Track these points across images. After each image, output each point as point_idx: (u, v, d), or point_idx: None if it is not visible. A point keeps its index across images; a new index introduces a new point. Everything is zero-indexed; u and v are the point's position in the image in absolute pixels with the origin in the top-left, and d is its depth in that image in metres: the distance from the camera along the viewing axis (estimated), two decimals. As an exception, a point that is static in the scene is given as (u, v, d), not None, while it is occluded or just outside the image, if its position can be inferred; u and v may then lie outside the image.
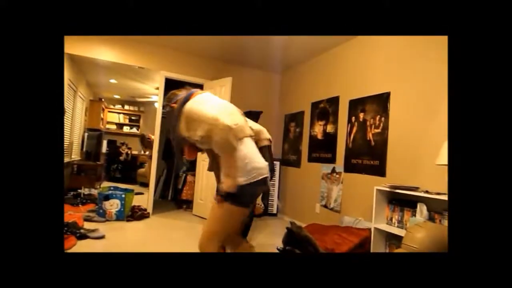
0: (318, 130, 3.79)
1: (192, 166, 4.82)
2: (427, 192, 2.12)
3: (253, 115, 3.00)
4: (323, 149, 3.66)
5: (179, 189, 4.61)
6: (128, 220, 3.42)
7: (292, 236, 1.01)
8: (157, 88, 4.32)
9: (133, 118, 6.98)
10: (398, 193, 2.31)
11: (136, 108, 6.96)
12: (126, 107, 6.91)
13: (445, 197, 1.97)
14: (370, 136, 2.93)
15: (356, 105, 3.16)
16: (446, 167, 2.03)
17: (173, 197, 5.09)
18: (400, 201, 2.37)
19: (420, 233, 1.55)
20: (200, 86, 4.30)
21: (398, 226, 2.34)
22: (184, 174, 4.66)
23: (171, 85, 4.28)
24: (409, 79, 2.58)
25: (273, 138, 4.88)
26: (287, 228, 1.04)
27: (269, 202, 4.40)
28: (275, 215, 4.39)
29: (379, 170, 2.76)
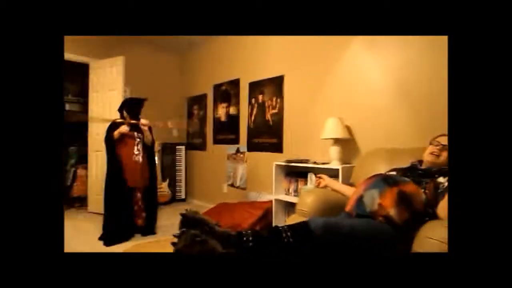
0: (222, 112, 3.85)
1: (81, 158, 4.22)
2: (315, 163, 2.46)
3: (135, 103, 2.74)
4: (227, 130, 3.75)
5: (68, 186, 4.01)
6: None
7: (188, 220, 1.04)
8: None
9: None
10: (293, 166, 2.60)
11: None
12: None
13: (329, 166, 2.33)
14: (268, 116, 3.16)
15: (255, 87, 3.34)
16: (329, 141, 2.40)
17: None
18: (295, 173, 2.69)
19: (310, 198, 1.81)
20: (85, 66, 3.74)
21: (294, 195, 2.65)
22: (73, 168, 4.06)
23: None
24: (301, 62, 2.86)
25: (176, 121, 4.71)
26: (181, 214, 1.06)
27: (177, 188, 4.30)
28: (183, 200, 4.33)
29: (278, 147, 3.04)
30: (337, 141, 2.35)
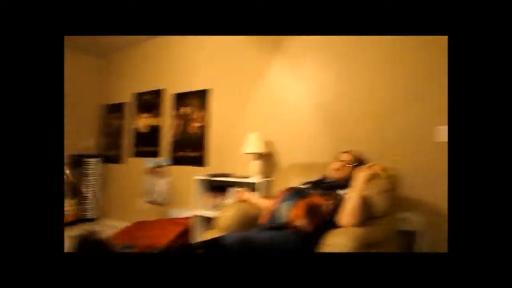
0: (143, 123, 3.61)
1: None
2: (237, 177, 2.49)
3: None
4: (148, 142, 3.52)
5: None
6: None
7: (86, 243, 0.95)
8: None
9: None
10: (214, 180, 2.57)
11: None
12: None
13: (249, 180, 2.38)
14: (192, 129, 3.10)
15: (180, 99, 3.24)
16: (250, 155, 2.46)
17: None
18: (217, 187, 2.66)
19: (230, 212, 1.80)
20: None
21: (215, 210, 2.61)
22: None
23: None
24: (227, 77, 2.91)
25: (89, 131, 4.23)
26: (76, 236, 0.96)
27: (85, 206, 3.79)
28: (92, 220, 3.83)
29: (200, 161, 2.98)
30: (258, 155, 2.43)
